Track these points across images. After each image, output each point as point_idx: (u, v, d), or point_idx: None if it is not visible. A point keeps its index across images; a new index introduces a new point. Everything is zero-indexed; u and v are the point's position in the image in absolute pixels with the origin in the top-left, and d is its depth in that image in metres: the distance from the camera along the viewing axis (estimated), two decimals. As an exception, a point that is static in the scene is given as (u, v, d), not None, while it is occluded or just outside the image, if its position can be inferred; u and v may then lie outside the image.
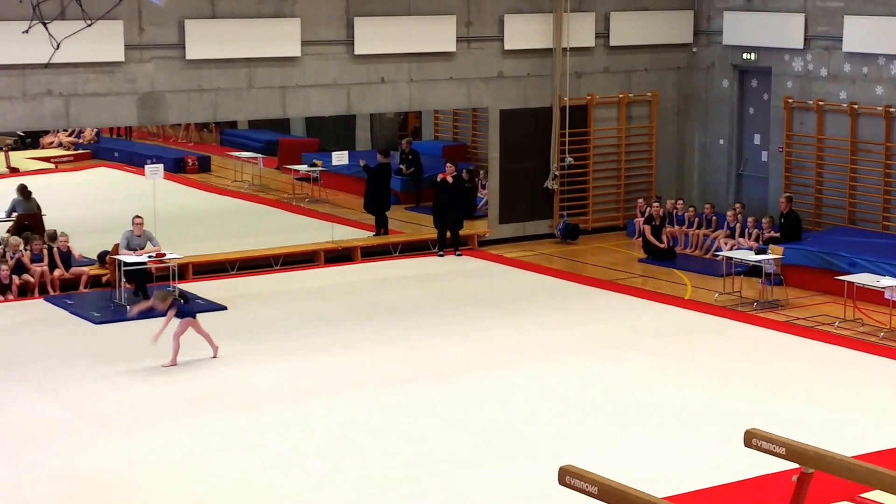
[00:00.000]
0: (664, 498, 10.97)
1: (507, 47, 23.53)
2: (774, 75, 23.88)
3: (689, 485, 12.35)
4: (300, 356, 16.81)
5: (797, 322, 18.76)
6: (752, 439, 10.14)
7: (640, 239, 23.44)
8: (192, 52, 20.76)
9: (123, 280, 19.20)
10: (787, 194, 22.63)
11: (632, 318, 18.87)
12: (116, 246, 19.54)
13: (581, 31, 24.09)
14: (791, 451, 9.91)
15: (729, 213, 22.99)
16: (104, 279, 20.07)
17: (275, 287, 20.67)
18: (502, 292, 20.52)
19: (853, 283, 18.62)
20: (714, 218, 23.26)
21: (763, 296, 19.91)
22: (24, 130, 30.61)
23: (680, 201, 23.96)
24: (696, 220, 23.43)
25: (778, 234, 21.85)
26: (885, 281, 18.46)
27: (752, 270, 20.56)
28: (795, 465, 9.99)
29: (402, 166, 27.01)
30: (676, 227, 23.49)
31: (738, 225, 22.69)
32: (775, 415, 14.32)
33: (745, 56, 24.41)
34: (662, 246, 22.89)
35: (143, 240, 19.49)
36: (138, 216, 19.58)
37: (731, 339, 17.89)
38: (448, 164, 23.05)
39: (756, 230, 22.29)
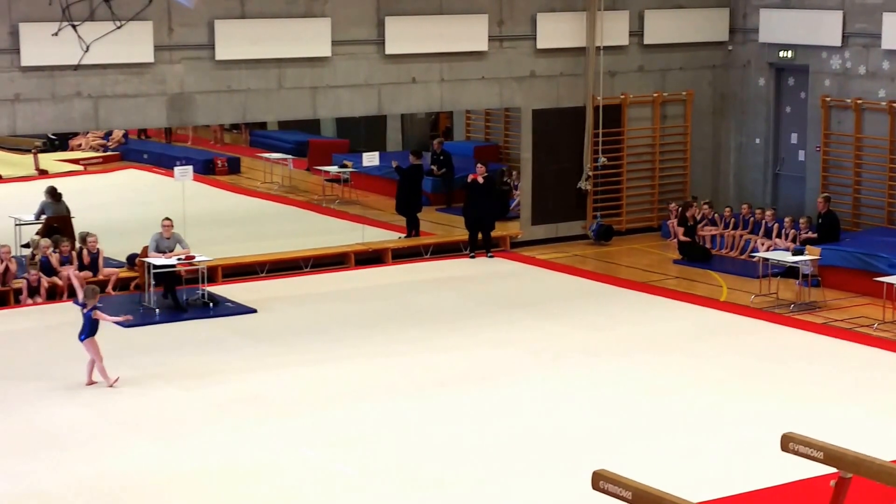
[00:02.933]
0: (699, 503, 10.78)
1: (539, 46, 23.35)
2: (812, 73, 23.61)
3: (724, 490, 12.17)
4: (330, 359, 16.68)
5: (835, 324, 18.50)
6: (789, 443, 9.96)
7: (675, 241, 23.21)
8: (222, 53, 20.68)
9: (152, 283, 19.08)
10: (825, 194, 22.34)
11: (666, 321, 18.66)
12: (146, 248, 19.45)
13: (615, 29, 23.89)
14: (829, 455, 9.72)
15: (768, 212, 22.69)
16: (133, 284, 19.98)
17: (305, 289, 20.55)
18: (535, 294, 20.34)
19: (893, 284, 18.34)
20: (751, 218, 22.99)
21: (800, 297, 19.65)
22: (53, 132, 30.71)
23: (706, 205, 23.67)
24: (733, 220, 23.16)
25: (815, 235, 21.56)
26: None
27: (789, 272, 20.31)
28: (833, 470, 9.80)
29: (433, 167, 26.85)
30: (712, 228, 23.23)
31: (776, 225, 22.41)
32: (812, 418, 14.10)
33: (781, 54, 24.14)
34: (689, 239, 22.62)
35: (172, 242, 19.41)
36: (167, 218, 19.50)
37: (768, 342, 17.65)
38: (479, 165, 22.87)
39: (793, 230, 22.01)
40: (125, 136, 34.55)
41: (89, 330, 15.47)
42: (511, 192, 25.65)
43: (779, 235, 22.25)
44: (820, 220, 21.81)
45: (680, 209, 23.35)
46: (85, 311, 15.52)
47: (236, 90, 20.96)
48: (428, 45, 22.29)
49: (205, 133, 35.95)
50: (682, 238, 22.74)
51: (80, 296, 15.63)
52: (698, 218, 23.17)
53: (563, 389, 15.44)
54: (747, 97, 24.98)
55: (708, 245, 22.95)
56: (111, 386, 15.42)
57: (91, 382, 15.54)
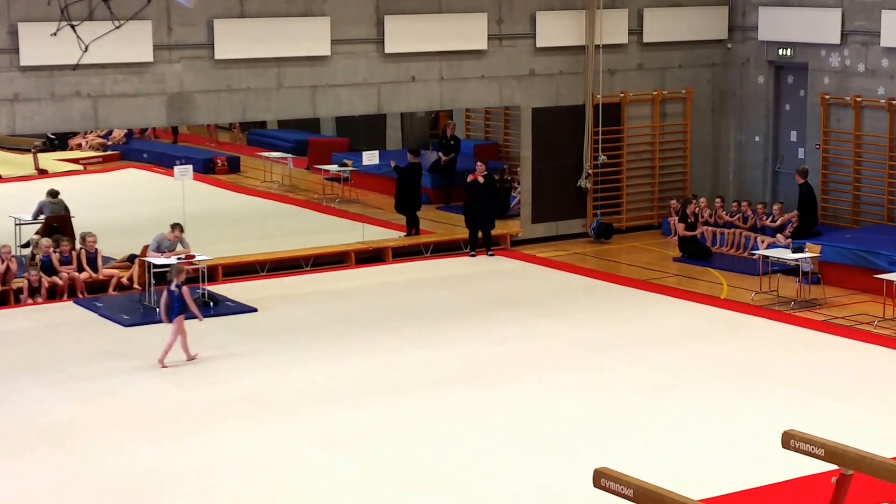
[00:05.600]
0: (700, 500, 10.80)
1: (539, 45, 23.34)
2: (811, 71, 23.60)
3: (725, 487, 12.16)
4: (331, 358, 16.67)
5: (835, 321, 18.49)
6: (790, 440, 9.96)
7: (676, 238, 23.21)
8: (221, 52, 20.67)
9: (153, 282, 19.06)
10: (802, 167, 22.43)
11: (667, 318, 18.66)
12: (146, 248, 19.44)
13: (614, 27, 23.89)
14: (830, 452, 9.72)
15: (775, 206, 22.65)
16: (125, 277, 20.02)
17: (305, 288, 20.55)
18: (535, 292, 20.34)
19: (893, 281, 18.34)
20: (751, 215, 22.99)
21: (800, 295, 19.63)
22: (52, 132, 30.69)
23: (718, 199, 23.69)
24: (739, 216, 23.12)
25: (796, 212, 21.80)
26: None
27: (789, 268, 20.31)
28: (834, 467, 9.80)
29: (440, 153, 26.74)
30: (714, 227, 23.22)
31: (770, 220, 22.46)
32: (813, 415, 14.10)
33: (780, 52, 24.14)
34: (695, 233, 22.63)
35: (173, 243, 19.38)
36: (181, 228, 19.37)
37: (769, 339, 17.65)
38: (478, 164, 22.86)
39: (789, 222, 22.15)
40: (127, 135, 34.48)
41: (179, 308, 16.02)
42: (510, 190, 25.61)
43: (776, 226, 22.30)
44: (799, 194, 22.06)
45: (680, 206, 23.35)
46: (171, 287, 16.11)
47: (236, 89, 20.95)
48: (427, 43, 22.29)
49: (200, 131, 35.83)
50: (683, 233, 22.73)
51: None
52: (698, 214, 23.13)
53: (564, 387, 15.43)
54: (747, 95, 24.97)
55: (709, 243, 22.94)
56: (160, 362, 16.08)
57: (191, 357, 16.30)
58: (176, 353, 16.23)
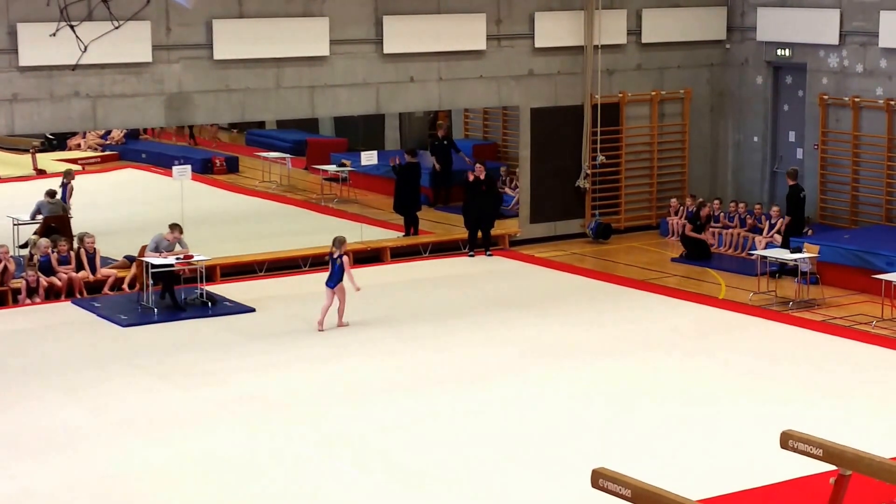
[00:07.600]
0: (698, 501, 10.79)
1: (537, 45, 23.36)
2: (809, 71, 23.61)
3: (723, 487, 12.16)
4: (329, 358, 16.67)
5: (834, 321, 18.51)
6: (789, 441, 9.97)
7: (678, 238, 23.16)
8: (220, 52, 20.68)
9: (151, 282, 19.05)
10: (791, 168, 22.37)
11: (665, 319, 18.66)
12: (144, 248, 19.43)
13: (612, 27, 23.90)
14: (828, 452, 9.73)
15: (774, 208, 22.64)
16: (126, 280, 20.02)
17: (304, 288, 20.54)
18: (534, 293, 20.34)
19: (891, 281, 18.36)
20: (748, 216, 23.00)
21: (799, 295, 19.65)
22: (51, 132, 30.68)
23: (716, 200, 23.69)
24: (737, 216, 23.11)
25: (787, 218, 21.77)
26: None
27: (783, 268, 20.29)
28: (833, 467, 9.80)
29: (433, 158, 26.69)
30: (716, 227, 23.22)
31: (768, 222, 22.48)
32: (812, 416, 14.11)
33: (779, 52, 24.16)
34: (702, 237, 22.62)
35: (172, 244, 19.37)
36: (179, 228, 19.36)
37: (767, 339, 17.66)
38: (477, 164, 22.86)
39: (779, 220, 22.12)
40: (127, 135, 34.42)
41: (338, 277, 17.52)
42: (503, 189, 25.58)
43: (772, 229, 22.29)
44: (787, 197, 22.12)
45: (695, 207, 23.17)
46: (333, 256, 17.63)
47: (234, 89, 20.96)
48: (426, 44, 22.31)
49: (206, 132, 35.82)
50: (690, 234, 22.64)
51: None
52: (711, 217, 23.07)
53: (563, 387, 15.43)
54: (745, 95, 24.99)
55: (712, 242, 22.88)
56: (340, 325, 17.83)
57: (321, 329, 17.65)
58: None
